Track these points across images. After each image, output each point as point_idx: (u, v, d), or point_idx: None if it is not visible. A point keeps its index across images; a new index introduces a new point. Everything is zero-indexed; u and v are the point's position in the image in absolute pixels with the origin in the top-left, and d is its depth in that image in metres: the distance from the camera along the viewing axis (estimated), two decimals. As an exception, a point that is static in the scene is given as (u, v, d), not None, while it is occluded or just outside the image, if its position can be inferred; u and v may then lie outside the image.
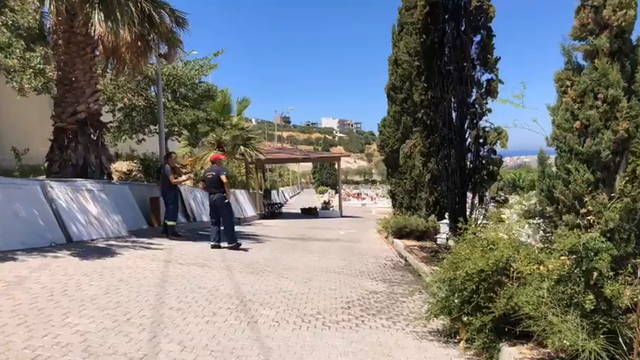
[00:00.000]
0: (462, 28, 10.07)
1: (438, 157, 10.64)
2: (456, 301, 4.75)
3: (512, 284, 4.67)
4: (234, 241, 10.19)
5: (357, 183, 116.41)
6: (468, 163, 10.39)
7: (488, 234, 5.03)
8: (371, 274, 8.94)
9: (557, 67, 4.54)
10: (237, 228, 16.59)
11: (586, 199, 4.17)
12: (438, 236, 12.71)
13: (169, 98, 17.20)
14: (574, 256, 4.01)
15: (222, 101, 20.07)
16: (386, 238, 14.57)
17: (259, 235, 14.32)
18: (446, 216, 13.35)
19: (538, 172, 4.65)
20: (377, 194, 50.47)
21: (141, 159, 16.28)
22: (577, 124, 4.18)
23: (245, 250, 10.32)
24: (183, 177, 12.43)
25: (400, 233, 13.32)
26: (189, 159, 21.06)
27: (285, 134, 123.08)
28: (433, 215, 13.71)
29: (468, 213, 10.44)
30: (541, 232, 4.96)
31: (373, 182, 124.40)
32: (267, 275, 7.86)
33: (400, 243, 12.57)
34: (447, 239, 11.14)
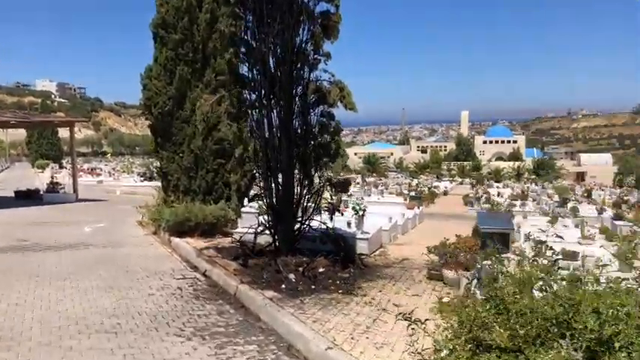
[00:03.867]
0: None
1: (253, 121, 7.25)
2: None
3: None
4: None
5: (85, 155, 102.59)
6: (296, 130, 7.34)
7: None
8: (170, 320, 5.15)
9: None
10: None
11: None
12: (236, 231, 9.36)
13: None
14: None
15: None
16: (155, 234, 10.50)
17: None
18: (245, 202, 10.14)
19: None
20: (114, 169, 43.38)
21: None
22: None
23: None
24: None
25: (181, 229, 9.52)
26: None
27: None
28: (223, 201, 10.31)
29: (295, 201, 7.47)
30: None
31: (104, 154, 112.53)
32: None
33: (185, 245, 8.81)
34: (256, 235, 7.92)
